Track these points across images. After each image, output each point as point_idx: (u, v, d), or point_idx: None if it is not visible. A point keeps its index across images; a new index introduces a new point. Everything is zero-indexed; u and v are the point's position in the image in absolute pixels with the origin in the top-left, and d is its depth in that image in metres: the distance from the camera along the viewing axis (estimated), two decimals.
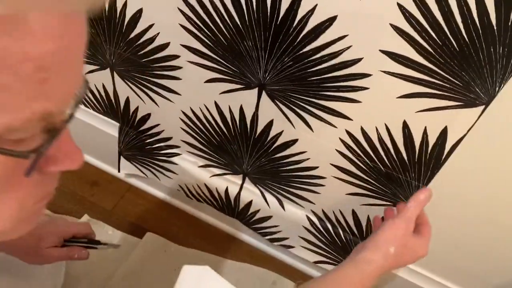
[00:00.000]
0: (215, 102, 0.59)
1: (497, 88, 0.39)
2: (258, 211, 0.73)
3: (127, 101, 0.69)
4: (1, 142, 0.19)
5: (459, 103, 0.42)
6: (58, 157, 0.24)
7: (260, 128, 0.58)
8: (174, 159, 0.74)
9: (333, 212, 0.65)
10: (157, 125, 0.70)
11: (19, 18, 0.16)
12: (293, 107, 0.52)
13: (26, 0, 0.16)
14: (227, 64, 0.52)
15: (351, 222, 0.65)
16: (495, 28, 0.36)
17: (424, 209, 0.49)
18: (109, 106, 0.73)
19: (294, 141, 0.57)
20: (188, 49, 0.53)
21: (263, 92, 0.53)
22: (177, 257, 0.80)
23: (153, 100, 0.65)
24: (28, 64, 0.17)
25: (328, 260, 0.75)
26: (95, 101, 0.75)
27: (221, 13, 0.47)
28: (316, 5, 0.41)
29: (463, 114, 0.43)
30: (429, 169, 0.50)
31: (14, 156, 0.20)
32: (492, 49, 0.37)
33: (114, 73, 0.65)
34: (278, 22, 0.44)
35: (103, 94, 0.71)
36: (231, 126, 0.61)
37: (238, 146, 0.64)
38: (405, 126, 0.47)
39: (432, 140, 0.47)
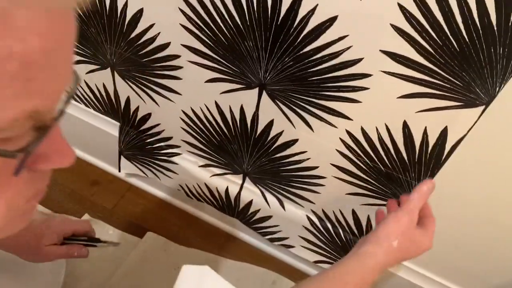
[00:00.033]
0: (216, 102, 0.59)
1: (497, 89, 0.39)
2: (258, 210, 0.73)
3: (128, 100, 0.69)
4: None
5: (460, 103, 0.42)
6: (49, 154, 0.23)
7: (260, 128, 0.58)
8: (174, 158, 0.74)
9: (333, 212, 0.66)
10: (158, 124, 0.70)
11: (4, 15, 0.16)
12: (294, 107, 0.52)
13: None
14: (228, 64, 0.52)
15: (351, 222, 0.65)
16: (495, 28, 0.36)
17: (428, 201, 0.48)
18: (109, 106, 0.73)
19: (295, 141, 0.57)
20: (188, 49, 0.53)
21: (264, 92, 0.53)
22: (177, 256, 0.80)
23: (153, 100, 0.65)
24: (13, 62, 0.17)
25: (328, 260, 0.75)
26: (95, 101, 0.75)
27: (221, 13, 0.47)
28: (317, 5, 0.41)
29: (463, 114, 0.43)
30: (429, 169, 0.50)
31: (1, 156, 0.19)
32: (492, 50, 0.37)
33: (115, 72, 0.65)
34: (278, 22, 0.44)
35: (103, 93, 0.71)
36: (231, 126, 0.61)
37: (238, 145, 0.64)
38: (405, 126, 0.47)
39: (432, 140, 0.47)
